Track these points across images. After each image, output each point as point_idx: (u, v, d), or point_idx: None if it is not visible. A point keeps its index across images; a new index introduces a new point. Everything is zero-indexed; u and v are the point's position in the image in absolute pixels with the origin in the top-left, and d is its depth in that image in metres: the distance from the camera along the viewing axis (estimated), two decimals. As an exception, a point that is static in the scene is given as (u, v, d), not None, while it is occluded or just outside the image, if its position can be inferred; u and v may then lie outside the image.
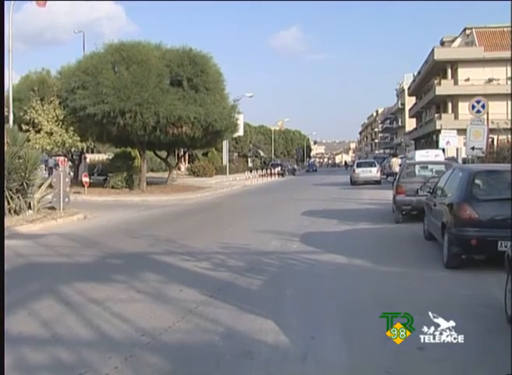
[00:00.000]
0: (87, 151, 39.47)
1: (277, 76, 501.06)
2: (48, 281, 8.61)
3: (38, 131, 31.86)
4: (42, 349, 5.44)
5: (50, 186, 18.77)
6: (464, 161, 26.10)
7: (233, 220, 17.15)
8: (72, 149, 35.38)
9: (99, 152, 49.34)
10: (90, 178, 29.44)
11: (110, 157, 37.27)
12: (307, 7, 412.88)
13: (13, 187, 16.85)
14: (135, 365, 5.04)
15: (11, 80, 26.84)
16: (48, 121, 31.86)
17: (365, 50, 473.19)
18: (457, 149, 31.04)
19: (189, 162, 58.16)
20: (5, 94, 27.83)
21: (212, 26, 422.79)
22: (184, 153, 44.62)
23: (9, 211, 16.54)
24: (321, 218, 16.87)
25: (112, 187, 30.06)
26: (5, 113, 27.41)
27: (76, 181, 29.85)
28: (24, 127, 30.19)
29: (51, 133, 32.12)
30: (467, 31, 57.72)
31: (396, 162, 35.47)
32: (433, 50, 55.13)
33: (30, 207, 17.40)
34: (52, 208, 18.21)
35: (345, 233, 13.77)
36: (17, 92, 30.93)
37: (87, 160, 39.53)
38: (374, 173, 37.49)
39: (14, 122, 25.83)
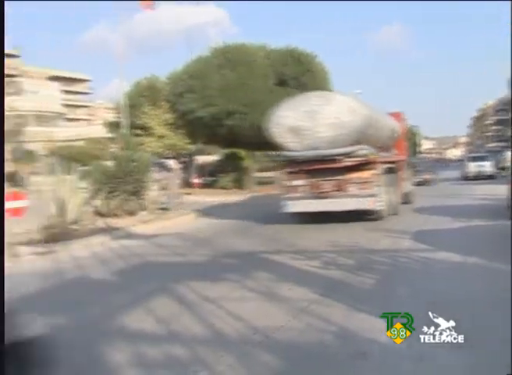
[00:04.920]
0: (197, 153, 40.40)
1: (381, 72, 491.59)
2: (162, 280, 8.91)
3: (150, 135, 33.16)
4: (159, 346, 5.60)
5: (162, 188, 19.43)
6: None
7: (340, 219, 16.89)
8: (183, 151, 36.53)
9: (208, 154, 50.42)
10: (200, 179, 30.19)
11: (219, 158, 37.94)
12: None
13: (128, 189, 17.50)
14: (248, 363, 5.07)
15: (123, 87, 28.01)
16: (158, 125, 33.07)
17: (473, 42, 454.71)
18: None
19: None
20: (119, 101, 29.27)
21: (319, 25, 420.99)
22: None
23: (125, 212, 17.25)
24: (433, 215, 16.40)
25: (222, 188, 30.65)
26: (120, 119, 28.73)
27: (186, 183, 30.69)
28: (136, 132, 31.52)
29: (162, 137, 33.33)
30: None
31: None
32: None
33: (143, 208, 18.04)
34: (165, 208, 18.81)
35: (459, 230, 13.28)
36: (129, 99, 32.30)
37: (197, 162, 40.52)
38: (487, 167, 36.03)
39: (130, 127, 26.96)
